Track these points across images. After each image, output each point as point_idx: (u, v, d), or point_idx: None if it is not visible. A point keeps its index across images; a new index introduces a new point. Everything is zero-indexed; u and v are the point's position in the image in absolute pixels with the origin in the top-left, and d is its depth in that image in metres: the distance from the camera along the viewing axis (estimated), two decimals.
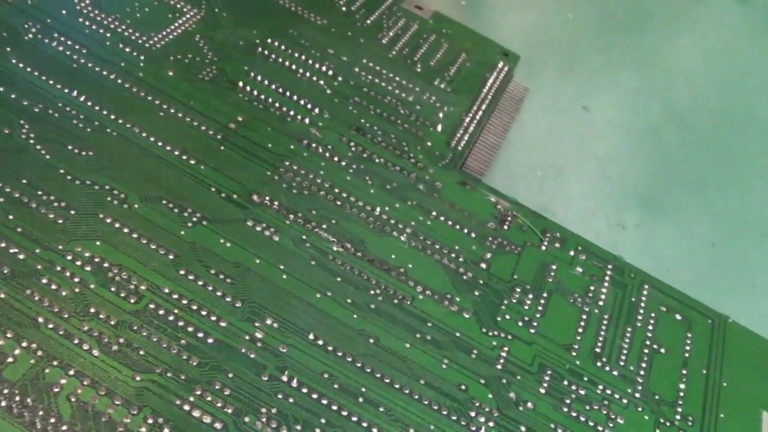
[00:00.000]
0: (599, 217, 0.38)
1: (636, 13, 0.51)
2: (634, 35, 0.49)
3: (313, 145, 0.31)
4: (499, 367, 0.27)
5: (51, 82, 0.29)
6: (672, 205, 0.40)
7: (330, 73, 0.34)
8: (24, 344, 0.22)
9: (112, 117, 0.28)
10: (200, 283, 0.25)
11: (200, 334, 0.24)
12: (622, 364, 0.29)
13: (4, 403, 0.21)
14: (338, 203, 0.30)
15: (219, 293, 0.25)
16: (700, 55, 0.49)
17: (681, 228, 0.38)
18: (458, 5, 0.46)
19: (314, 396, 0.24)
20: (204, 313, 0.25)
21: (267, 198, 0.29)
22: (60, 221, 0.25)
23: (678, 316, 0.32)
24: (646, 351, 0.30)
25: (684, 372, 0.30)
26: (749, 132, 0.45)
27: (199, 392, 0.23)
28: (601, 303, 0.31)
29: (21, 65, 0.29)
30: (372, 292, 0.28)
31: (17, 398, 0.21)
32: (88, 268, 0.24)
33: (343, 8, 0.38)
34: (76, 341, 0.23)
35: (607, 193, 0.39)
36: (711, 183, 0.42)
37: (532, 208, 0.33)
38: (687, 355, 0.30)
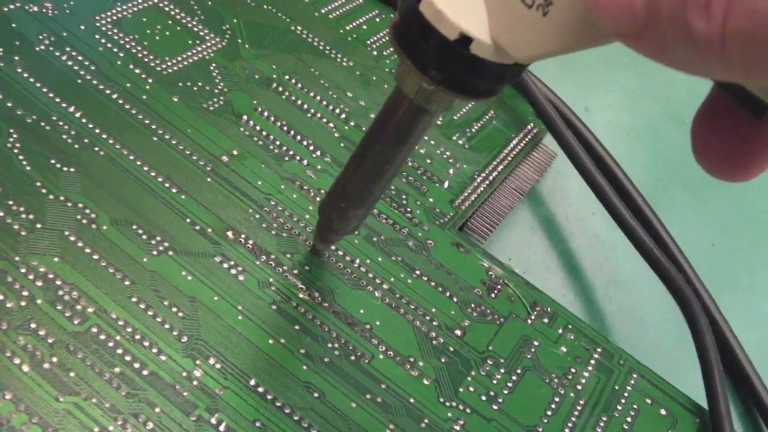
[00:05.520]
0: (599, 217, 0.39)
1: None
2: None
3: (305, 187, 0.31)
4: None
5: (51, 94, 0.29)
6: (672, 205, 0.41)
7: (343, 116, 0.34)
8: None
9: (104, 136, 0.29)
10: (150, 313, 0.25)
11: (136, 365, 0.24)
12: None
13: None
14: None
15: (167, 326, 0.25)
16: None
17: (681, 228, 0.38)
18: None
19: None
20: (146, 343, 0.25)
21: (242, 236, 0.28)
22: (23, 233, 0.25)
23: (663, 411, 0.30)
24: None
25: None
26: None
27: (120, 422, 0.23)
28: (579, 387, 0.29)
29: (25, 75, 0.29)
30: (330, 345, 0.27)
31: None
32: (39, 283, 0.24)
33: (374, 52, 0.38)
34: (8, 354, 0.23)
35: None
36: (711, 183, 0.44)
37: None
38: None
